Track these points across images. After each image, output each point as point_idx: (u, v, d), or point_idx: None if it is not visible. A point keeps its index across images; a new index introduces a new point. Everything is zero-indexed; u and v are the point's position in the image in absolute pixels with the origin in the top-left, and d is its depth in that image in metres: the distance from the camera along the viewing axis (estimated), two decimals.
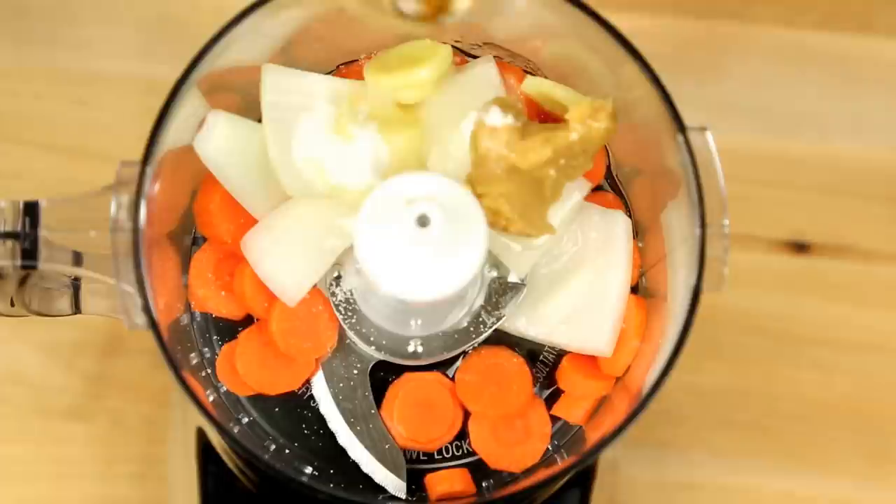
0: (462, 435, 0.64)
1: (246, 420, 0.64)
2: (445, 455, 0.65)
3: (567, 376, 0.64)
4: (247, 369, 0.63)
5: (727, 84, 0.88)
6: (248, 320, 0.64)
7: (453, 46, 0.64)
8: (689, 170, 0.59)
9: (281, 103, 0.61)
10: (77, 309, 0.64)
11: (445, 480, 0.64)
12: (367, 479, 0.63)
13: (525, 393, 0.63)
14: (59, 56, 0.86)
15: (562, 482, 0.68)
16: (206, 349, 0.64)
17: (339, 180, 0.61)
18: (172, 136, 0.59)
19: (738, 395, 0.83)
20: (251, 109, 0.63)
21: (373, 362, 0.64)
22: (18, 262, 0.59)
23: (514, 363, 0.64)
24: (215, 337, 0.64)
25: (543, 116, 0.64)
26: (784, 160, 0.87)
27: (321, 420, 0.64)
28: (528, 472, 0.64)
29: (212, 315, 0.64)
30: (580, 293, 0.63)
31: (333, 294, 0.63)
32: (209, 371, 0.64)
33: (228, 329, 0.64)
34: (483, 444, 0.64)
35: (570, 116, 0.59)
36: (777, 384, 0.84)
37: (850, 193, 0.87)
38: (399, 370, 0.64)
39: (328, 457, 0.64)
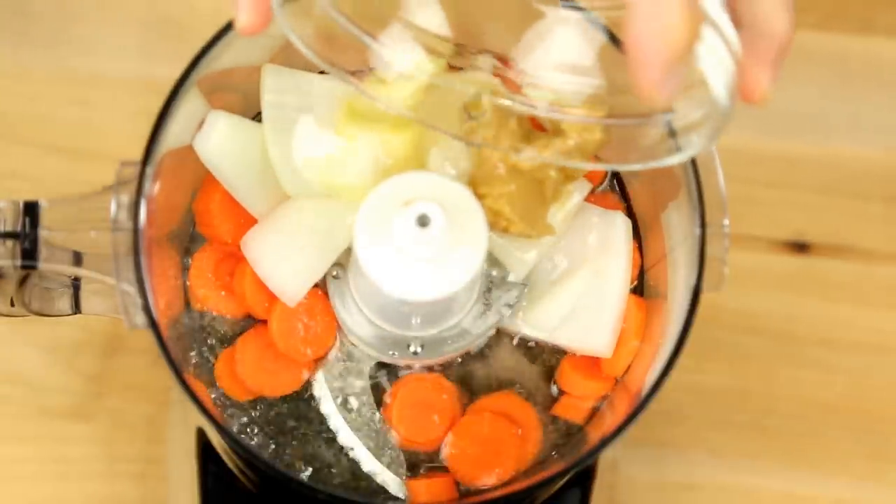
0: None
1: (246, 420, 0.64)
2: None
3: (567, 377, 0.64)
4: (247, 373, 0.63)
5: None
6: (248, 319, 0.64)
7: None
8: (689, 170, 0.60)
9: (281, 103, 0.61)
10: (77, 309, 0.64)
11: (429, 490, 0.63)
12: (368, 479, 0.63)
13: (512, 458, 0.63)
14: (59, 56, 0.86)
15: (562, 482, 0.68)
16: (206, 349, 0.64)
17: (339, 180, 0.61)
18: (172, 136, 0.59)
19: (737, 394, 0.83)
20: (251, 109, 0.63)
21: (373, 362, 0.64)
22: (18, 262, 0.59)
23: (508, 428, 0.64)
24: (215, 337, 0.64)
25: (542, 128, 0.64)
26: (784, 160, 0.87)
27: (321, 420, 0.64)
28: (528, 472, 0.64)
29: (212, 315, 0.64)
30: (580, 293, 0.63)
31: (333, 293, 0.63)
32: (209, 371, 0.64)
33: (228, 329, 0.64)
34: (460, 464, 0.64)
35: (565, 127, 0.59)
36: (777, 384, 0.83)
37: (849, 193, 0.87)
38: (399, 370, 0.64)
39: (328, 457, 0.64)
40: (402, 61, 0.56)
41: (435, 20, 0.57)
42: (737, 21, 0.52)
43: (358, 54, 0.55)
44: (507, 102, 0.56)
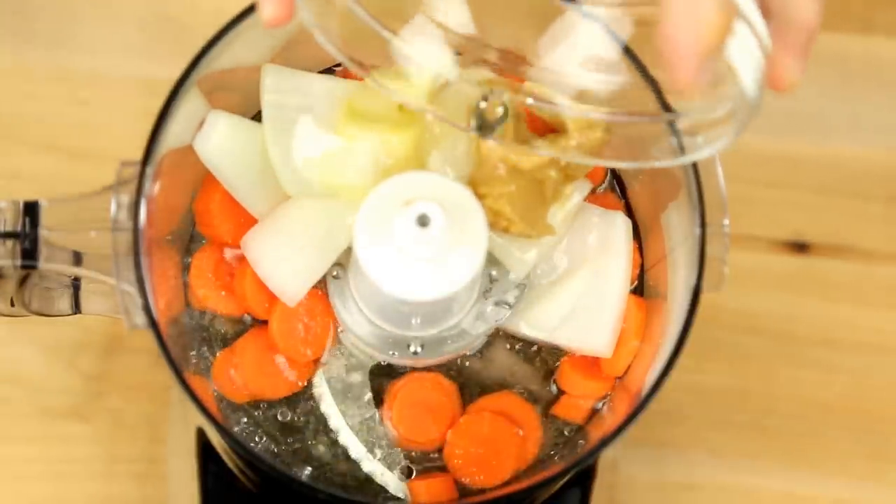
0: None
1: (245, 420, 0.64)
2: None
3: (567, 377, 0.64)
4: (247, 378, 0.63)
5: None
6: (247, 319, 0.64)
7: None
8: (689, 170, 0.60)
9: (281, 103, 0.61)
10: (77, 309, 0.64)
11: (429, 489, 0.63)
12: (367, 479, 0.63)
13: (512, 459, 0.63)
14: (59, 56, 0.86)
15: (562, 482, 0.68)
16: (206, 349, 0.64)
17: (339, 180, 0.61)
18: (172, 136, 0.59)
19: (737, 394, 0.83)
20: (251, 109, 0.63)
21: (373, 362, 0.64)
22: (18, 262, 0.59)
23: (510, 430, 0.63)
24: (215, 337, 0.64)
25: (545, 128, 0.64)
26: (784, 160, 0.87)
27: (321, 420, 0.64)
28: (528, 472, 0.64)
29: (212, 315, 0.64)
30: (580, 294, 0.63)
31: (333, 293, 0.63)
32: (209, 371, 0.64)
33: (228, 329, 0.64)
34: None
35: (569, 126, 0.59)
36: (777, 384, 0.83)
37: (849, 193, 0.87)
38: (399, 370, 0.64)
39: (328, 457, 0.64)
40: (422, 57, 0.56)
41: (456, 17, 0.57)
42: (765, 10, 0.52)
43: (378, 51, 0.54)
44: (529, 101, 0.56)
